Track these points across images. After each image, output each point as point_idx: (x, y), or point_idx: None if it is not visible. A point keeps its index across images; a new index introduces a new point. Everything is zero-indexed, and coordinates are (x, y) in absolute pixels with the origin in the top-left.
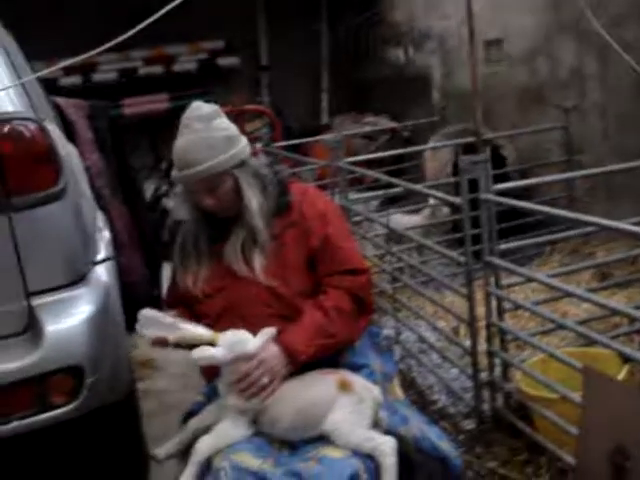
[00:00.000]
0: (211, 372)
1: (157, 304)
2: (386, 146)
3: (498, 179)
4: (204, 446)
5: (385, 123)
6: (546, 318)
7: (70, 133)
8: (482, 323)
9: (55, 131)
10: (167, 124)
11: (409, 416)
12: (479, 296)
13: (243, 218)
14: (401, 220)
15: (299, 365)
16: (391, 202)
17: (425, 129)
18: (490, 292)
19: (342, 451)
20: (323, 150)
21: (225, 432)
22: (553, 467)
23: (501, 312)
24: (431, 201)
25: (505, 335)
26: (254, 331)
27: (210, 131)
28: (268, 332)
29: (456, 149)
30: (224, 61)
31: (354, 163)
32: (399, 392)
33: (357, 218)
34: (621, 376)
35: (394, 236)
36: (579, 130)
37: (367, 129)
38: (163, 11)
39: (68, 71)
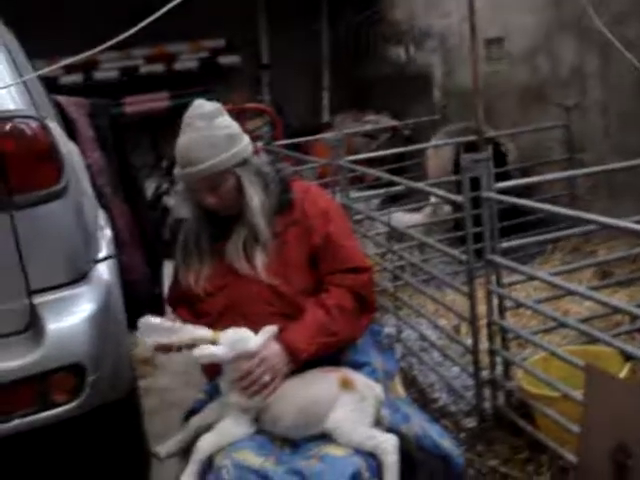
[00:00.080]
0: (213, 370)
1: (158, 302)
2: (387, 144)
3: (500, 177)
4: (206, 444)
5: (386, 121)
6: (548, 316)
7: (71, 131)
8: (483, 321)
9: (56, 129)
10: (168, 122)
11: (411, 414)
12: (480, 294)
13: (245, 216)
14: (402, 218)
15: (301, 363)
16: (392, 200)
17: (426, 127)
18: (491, 290)
19: (344, 449)
20: (324, 148)
21: (227, 430)
22: (554, 465)
23: (502, 310)
24: (432, 199)
25: (506, 333)
26: (256, 329)
27: (212, 129)
28: (269, 330)
29: (458, 147)
30: (225, 59)
31: (355, 161)
32: (400, 390)
33: (358, 217)
34: (623, 374)
35: (395, 234)
36: (580, 128)
37: (368, 127)
38: (164, 9)
39: (69, 69)
